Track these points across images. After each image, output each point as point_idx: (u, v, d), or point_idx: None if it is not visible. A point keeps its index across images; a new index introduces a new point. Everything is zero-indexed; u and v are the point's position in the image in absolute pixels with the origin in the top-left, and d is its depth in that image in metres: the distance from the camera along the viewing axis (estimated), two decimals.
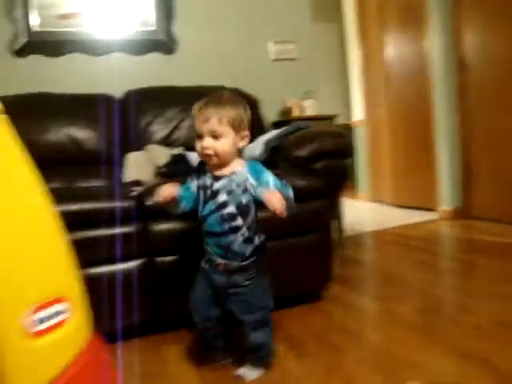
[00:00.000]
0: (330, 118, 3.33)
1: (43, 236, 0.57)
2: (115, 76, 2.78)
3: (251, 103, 2.65)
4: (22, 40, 2.72)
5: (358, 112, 5.02)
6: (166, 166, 2.19)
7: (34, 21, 2.75)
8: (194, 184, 1.47)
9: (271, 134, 2.36)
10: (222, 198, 1.39)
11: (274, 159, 2.18)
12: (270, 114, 3.03)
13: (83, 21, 2.83)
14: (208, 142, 1.33)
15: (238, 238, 1.40)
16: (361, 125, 4.93)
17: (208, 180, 1.43)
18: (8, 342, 0.52)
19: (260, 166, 1.43)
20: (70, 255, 0.61)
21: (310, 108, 3.21)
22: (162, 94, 2.63)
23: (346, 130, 4.73)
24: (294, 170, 2.02)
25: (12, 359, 0.52)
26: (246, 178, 1.39)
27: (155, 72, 2.88)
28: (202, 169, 1.49)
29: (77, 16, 2.82)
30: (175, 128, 2.53)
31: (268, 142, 2.26)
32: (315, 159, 2.05)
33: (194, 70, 2.94)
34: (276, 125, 2.98)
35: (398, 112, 4.34)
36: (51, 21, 2.78)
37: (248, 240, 1.42)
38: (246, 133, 1.42)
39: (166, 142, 2.47)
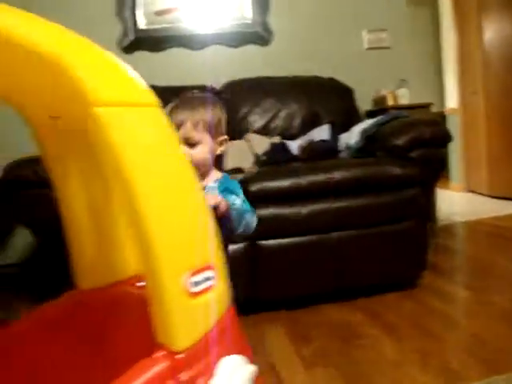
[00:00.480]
0: (425, 106, 3.29)
1: (199, 213, 0.67)
2: (213, 68, 2.91)
3: (346, 92, 2.69)
4: (130, 38, 2.93)
5: (451, 100, 4.86)
6: (266, 154, 2.28)
7: (140, 19, 2.93)
8: None
9: (367, 122, 2.38)
10: None
11: (370, 148, 2.21)
12: (363, 103, 3.04)
13: (181, 16, 2.97)
14: (184, 149, 1.14)
15: None
16: (454, 113, 4.78)
17: None
18: (173, 300, 0.61)
19: (234, 185, 1.23)
20: (215, 231, 0.70)
21: (404, 97, 3.19)
22: (258, 85, 2.73)
23: (440, 119, 4.61)
24: (390, 158, 2.04)
25: (176, 314, 0.62)
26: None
27: (252, 63, 2.98)
28: None
29: (173, 11, 2.97)
30: (272, 117, 2.62)
31: (364, 131, 2.29)
32: (412, 148, 2.06)
33: (289, 61, 3.01)
34: (370, 114, 2.99)
35: (495, 99, 4.15)
36: (152, 18, 2.96)
37: None
38: (225, 137, 1.25)
39: (264, 131, 2.57)
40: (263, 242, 1.84)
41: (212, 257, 0.68)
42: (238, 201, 1.17)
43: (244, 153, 2.28)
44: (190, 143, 1.16)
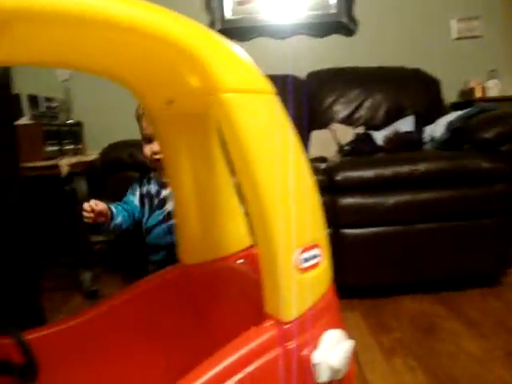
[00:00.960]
0: None
1: (310, 193, 0.71)
2: (297, 58, 2.94)
3: (431, 84, 2.64)
4: (217, 28, 3.01)
5: None
6: (350, 144, 2.30)
7: (227, 9, 3.01)
8: (135, 196, 1.36)
9: (453, 115, 2.33)
10: (171, 206, 1.23)
11: (455, 141, 2.17)
12: (449, 94, 2.96)
13: (261, 6, 3.00)
14: (158, 145, 1.11)
15: None
16: None
17: (153, 187, 1.34)
18: (285, 274, 0.66)
19: None
20: (321, 211, 0.74)
21: (494, 89, 3.07)
22: (343, 75, 2.73)
23: None
24: (478, 151, 2.00)
25: (287, 287, 0.67)
26: None
27: (336, 53, 2.98)
28: (145, 176, 1.38)
29: (252, 1, 3.02)
30: (357, 108, 2.62)
31: (450, 124, 2.24)
32: (501, 142, 2.00)
33: (374, 51, 2.98)
34: (456, 106, 2.91)
35: None
36: (235, 8, 3.02)
37: None
38: None
39: (348, 121, 2.58)
40: (346, 231, 1.87)
41: (320, 235, 0.72)
42: None
43: (328, 142, 2.30)
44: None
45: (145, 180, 1.38)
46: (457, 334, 1.65)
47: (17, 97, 2.36)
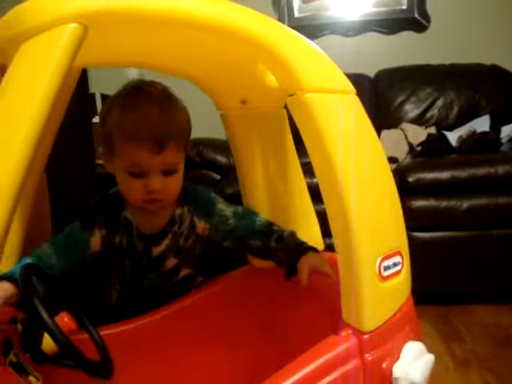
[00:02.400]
0: None
1: (392, 199, 0.68)
2: (368, 55, 2.87)
3: (510, 81, 2.51)
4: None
5: None
6: (422, 144, 2.22)
7: (295, 7, 2.98)
8: (94, 239, 0.88)
9: None
10: (171, 263, 0.95)
11: None
12: None
13: (332, 3, 2.94)
14: (158, 181, 0.83)
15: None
16: None
17: (136, 242, 0.91)
18: (366, 282, 0.64)
19: (202, 192, 0.98)
20: (402, 218, 0.71)
21: None
22: (414, 73, 2.64)
23: None
24: None
25: (368, 295, 0.64)
26: (190, 223, 0.95)
27: (407, 50, 2.87)
28: (116, 217, 0.90)
29: None
30: (428, 107, 2.52)
31: None
32: None
33: (447, 47, 2.85)
34: None
35: None
36: (302, 6, 2.99)
37: None
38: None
39: (419, 121, 2.49)
40: (418, 234, 1.80)
41: (401, 242, 0.69)
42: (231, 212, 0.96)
43: (398, 142, 2.24)
44: (169, 171, 0.85)
45: (117, 225, 0.90)
46: None
47: (92, 96, 2.43)
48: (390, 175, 0.70)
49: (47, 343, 0.67)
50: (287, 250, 0.90)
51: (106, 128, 0.84)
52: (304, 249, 0.89)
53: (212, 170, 2.07)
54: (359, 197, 0.63)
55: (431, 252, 1.82)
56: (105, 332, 0.84)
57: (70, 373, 0.68)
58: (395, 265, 0.68)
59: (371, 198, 0.65)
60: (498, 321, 1.76)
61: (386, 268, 0.66)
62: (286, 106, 0.93)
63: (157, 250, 0.92)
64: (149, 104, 0.82)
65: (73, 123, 1.45)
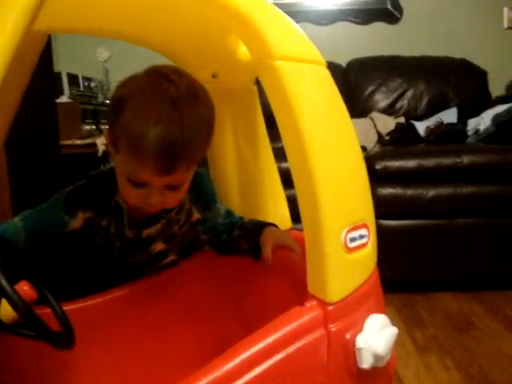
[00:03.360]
0: None
1: (359, 171, 0.68)
2: (340, 45, 2.88)
3: (478, 75, 2.56)
4: None
5: None
6: (391, 133, 2.24)
7: None
8: (75, 221, 0.83)
9: (500, 108, 2.25)
10: (159, 247, 0.93)
11: (501, 135, 2.09)
12: (497, 87, 2.84)
13: None
14: (158, 197, 0.77)
15: None
16: None
17: (126, 230, 0.87)
18: (332, 253, 0.63)
19: (207, 185, 0.96)
20: (369, 190, 0.71)
21: None
22: (385, 64, 2.67)
23: None
24: None
25: (333, 266, 0.64)
26: (188, 211, 0.93)
27: (379, 41, 2.90)
28: (104, 201, 0.85)
29: None
30: (398, 97, 2.56)
31: (497, 117, 2.17)
32: None
33: (418, 40, 2.88)
34: (503, 100, 2.80)
35: None
36: None
37: None
38: None
39: (389, 111, 2.52)
40: (384, 222, 1.82)
41: (368, 215, 0.69)
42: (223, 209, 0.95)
43: (367, 131, 2.25)
44: (174, 186, 0.78)
45: (106, 210, 0.86)
46: (494, 333, 1.60)
47: (58, 75, 2.37)
48: (358, 149, 0.70)
49: (4, 311, 0.65)
50: (248, 232, 0.90)
51: (117, 123, 0.74)
52: (263, 224, 0.89)
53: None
54: (326, 167, 0.63)
55: (397, 240, 1.85)
56: (72, 306, 0.82)
57: (29, 343, 0.66)
58: (361, 237, 0.68)
59: (338, 170, 0.65)
60: (460, 308, 1.80)
61: (352, 240, 0.66)
62: (257, 83, 0.93)
63: (146, 233, 0.89)
64: (167, 115, 0.71)
65: (36, 102, 1.40)
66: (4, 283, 0.60)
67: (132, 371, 0.91)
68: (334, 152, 0.65)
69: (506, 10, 2.94)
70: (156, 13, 0.72)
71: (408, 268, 1.90)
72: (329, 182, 0.63)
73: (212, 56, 0.86)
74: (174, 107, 0.71)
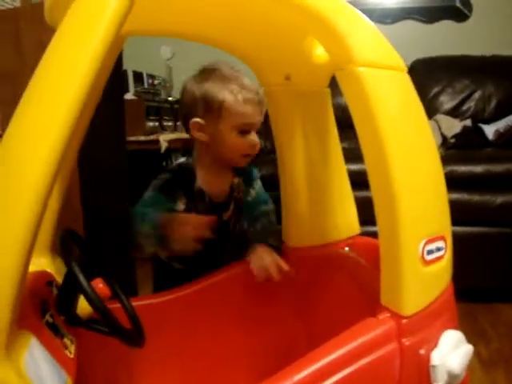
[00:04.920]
0: None
1: (438, 182, 0.66)
2: (404, 44, 2.80)
3: None
4: None
5: None
6: (456, 136, 2.17)
7: None
8: (177, 206, 1.01)
9: None
10: (235, 226, 1.10)
11: None
12: None
13: None
14: (257, 138, 0.99)
15: None
16: None
17: (210, 209, 1.02)
18: (408, 265, 0.62)
19: (253, 167, 1.12)
20: (447, 202, 0.69)
21: None
22: (452, 64, 2.57)
23: None
24: None
25: (409, 279, 0.62)
26: (242, 190, 1.11)
27: (447, 40, 2.80)
28: (190, 188, 1.02)
29: None
30: (465, 99, 2.46)
31: None
32: None
33: (488, 38, 2.75)
34: None
35: None
36: None
37: None
38: None
39: (454, 113, 2.43)
40: None
41: (445, 227, 0.67)
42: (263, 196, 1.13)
43: (431, 134, 2.19)
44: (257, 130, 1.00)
45: (193, 195, 1.02)
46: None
47: (124, 73, 2.43)
48: (437, 158, 0.67)
49: (82, 307, 0.67)
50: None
51: (215, 99, 0.94)
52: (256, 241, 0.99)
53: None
54: (406, 177, 0.61)
55: (460, 247, 1.77)
56: (138, 303, 0.84)
57: (103, 339, 0.68)
58: (438, 249, 0.66)
59: (417, 179, 0.63)
60: None
61: (429, 252, 0.64)
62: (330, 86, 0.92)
63: (226, 215, 1.05)
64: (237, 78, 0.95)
65: (106, 100, 1.44)
66: (82, 280, 0.62)
67: (194, 372, 0.92)
68: (413, 161, 0.63)
69: None
70: (232, 15, 0.72)
71: (471, 276, 1.83)
72: (408, 191, 0.62)
73: (286, 58, 0.86)
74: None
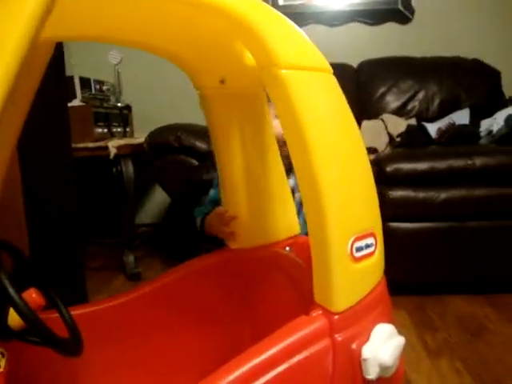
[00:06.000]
0: None
1: (366, 180, 0.67)
2: (352, 46, 2.86)
3: (491, 75, 2.53)
4: None
5: None
6: (401, 135, 2.23)
7: None
8: None
9: None
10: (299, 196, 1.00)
11: None
12: (510, 87, 2.80)
13: None
14: None
15: None
16: None
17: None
18: (337, 262, 0.63)
19: None
20: (377, 199, 0.71)
21: None
22: (397, 65, 2.65)
23: None
24: None
25: (339, 276, 0.64)
26: None
27: (391, 42, 2.88)
28: None
29: None
30: (410, 99, 2.54)
31: (510, 118, 2.14)
32: None
33: (430, 40, 2.85)
34: None
35: None
36: None
37: None
38: None
39: (400, 112, 2.50)
40: (395, 224, 1.81)
41: (375, 224, 0.69)
42: None
43: (378, 133, 2.24)
44: None
45: None
46: (507, 338, 1.58)
47: (69, 79, 2.39)
48: (365, 156, 0.69)
49: (13, 318, 0.66)
50: None
51: None
52: None
53: (191, 156, 2.05)
54: (332, 176, 0.62)
55: (408, 242, 1.83)
56: (75, 312, 0.83)
57: (38, 350, 0.66)
58: (368, 246, 0.67)
59: (344, 179, 0.64)
60: (472, 311, 1.78)
61: (359, 249, 0.66)
62: None
63: (291, 182, 1.03)
64: None
65: (49, 107, 1.41)
66: (11, 291, 0.61)
67: (138, 376, 0.92)
68: (340, 161, 0.64)
69: None
70: (158, 20, 0.72)
71: (419, 271, 1.89)
72: (335, 191, 0.63)
73: (219, 62, 0.86)
74: None
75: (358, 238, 0.65)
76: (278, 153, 0.98)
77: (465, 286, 1.93)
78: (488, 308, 1.80)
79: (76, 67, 2.71)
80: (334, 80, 0.68)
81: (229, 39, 0.79)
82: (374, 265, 0.69)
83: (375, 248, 0.69)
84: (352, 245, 0.64)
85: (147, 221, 3.09)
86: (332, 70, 0.68)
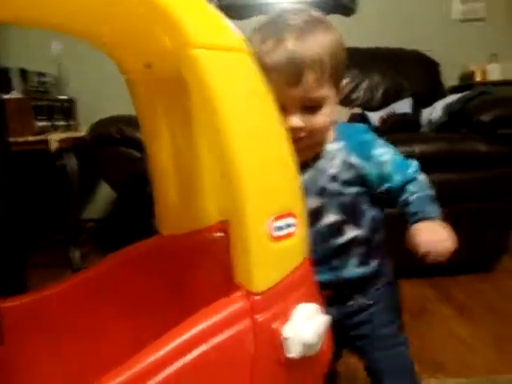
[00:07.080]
0: None
1: (285, 162, 0.67)
2: None
3: (430, 66, 2.60)
4: (214, 4, 2.95)
5: None
6: None
7: None
8: None
9: (451, 98, 2.30)
10: (313, 203, 0.85)
11: (453, 124, 2.13)
12: (449, 78, 2.90)
13: None
14: (298, 120, 0.78)
15: (351, 259, 0.92)
16: None
17: None
18: (256, 242, 0.63)
19: (364, 133, 0.91)
20: (298, 180, 0.71)
21: (494, 73, 3.01)
22: None
23: None
24: (475, 135, 1.96)
25: (258, 255, 0.63)
26: (343, 161, 0.85)
27: None
28: None
29: None
30: (354, 89, 2.57)
31: (448, 106, 2.21)
32: (499, 125, 1.97)
33: (372, 32, 2.92)
34: (455, 90, 2.86)
35: None
36: None
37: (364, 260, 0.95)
38: (346, 79, 0.87)
39: (345, 102, 2.53)
40: None
41: (295, 204, 0.69)
42: (390, 163, 0.88)
43: None
44: (311, 106, 0.78)
45: None
46: (446, 318, 1.64)
47: (6, 71, 2.31)
48: (284, 138, 0.69)
49: None
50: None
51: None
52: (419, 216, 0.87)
53: (132, 148, 2.01)
54: (248, 157, 0.62)
55: None
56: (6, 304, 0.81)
57: None
58: (288, 226, 0.67)
59: (262, 159, 0.64)
60: (413, 294, 1.83)
61: (279, 228, 0.66)
62: None
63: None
64: (285, 32, 0.77)
65: None
66: None
67: (70, 368, 0.90)
68: (257, 141, 0.64)
69: (455, 3, 3.01)
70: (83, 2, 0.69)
71: None
72: (252, 171, 0.63)
73: (142, 46, 0.84)
74: (291, 27, 0.78)
75: (277, 218, 0.65)
76: (211, 139, 0.97)
77: (408, 270, 1.97)
78: (430, 290, 1.87)
79: (15, 58, 2.63)
80: (252, 61, 0.68)
81: (149, 23, 0.78)
82: (295, 245, 0.69)
83: (296, 228, 0.69)
84: (271, 224, 0.64)
85: (94, 216, 3.03)
86: (249, 51, 0.67)
